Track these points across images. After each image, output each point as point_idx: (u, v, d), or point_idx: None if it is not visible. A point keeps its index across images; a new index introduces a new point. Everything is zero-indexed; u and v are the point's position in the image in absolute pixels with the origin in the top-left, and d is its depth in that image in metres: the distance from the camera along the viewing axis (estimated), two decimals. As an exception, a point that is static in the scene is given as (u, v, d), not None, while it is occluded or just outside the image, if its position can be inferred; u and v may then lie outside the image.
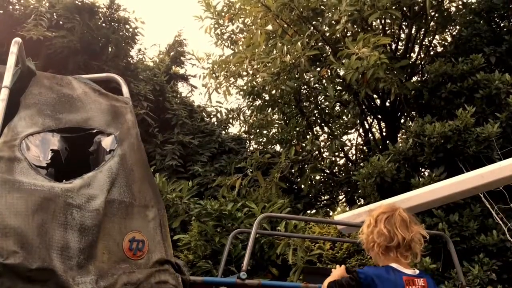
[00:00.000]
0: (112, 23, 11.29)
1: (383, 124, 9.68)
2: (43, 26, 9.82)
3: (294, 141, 9.84)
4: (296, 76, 8.29)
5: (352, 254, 6.76)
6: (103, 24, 11.16)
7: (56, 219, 2.37)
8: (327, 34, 8.35)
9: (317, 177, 10.29)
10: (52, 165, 2.74)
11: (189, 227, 7.65)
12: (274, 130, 10.72)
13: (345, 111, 10.50)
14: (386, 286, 2.35)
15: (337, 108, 10.58)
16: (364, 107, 9.49)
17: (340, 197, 10.93)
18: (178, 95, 13.47)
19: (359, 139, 10.86)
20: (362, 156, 10.50)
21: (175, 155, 10.90)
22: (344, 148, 10.24)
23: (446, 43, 9.81)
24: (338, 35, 8.08)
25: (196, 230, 7.19)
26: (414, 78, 9.33)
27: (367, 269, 2.46)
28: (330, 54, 7.77)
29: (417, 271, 2.50)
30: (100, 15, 11.18)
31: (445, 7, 9.23)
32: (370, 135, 10.27)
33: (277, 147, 10.99)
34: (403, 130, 8.70)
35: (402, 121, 9.39)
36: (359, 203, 8.92)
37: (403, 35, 9.35)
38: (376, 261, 2.51)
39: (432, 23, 9.24)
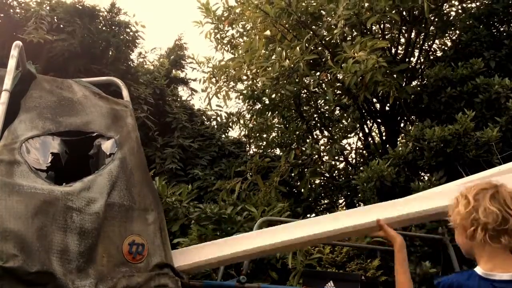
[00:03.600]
0: (113, 27, 11.30)
1: (382, 128, 9.69)
2: (43, 29, 9.83)
3: (293, 145, 9.84)
4: (296, 80, 8.30)
5: (352, 258, 6.74)
6: (104, 28, 11.17)
7: (56, 222, 2.37)
8: (326, 39, 8.37)
9: (317, 181, 10.29)
10: (52, 168, 2.74)
11: (188, 230, 7.64)
12: (274, 134, 10.73)
13: (345, 115, 10.51)
14: None
15: (337, 112, 10.60)
16: (363, 111, 9.50)
17: (340, 201, 10.92)
18: (178, 99, 13.47)
19: (359, 143, 10.87)
20: (362, 160, 10.50)
21: (175, 158, 10.90)
22: (344, 152, 10.24)
23: (446, 48, 9.83)
24: (337, 39, 8.10)
25: (195, 234, 7.17)
26: (414, 82, 9.35)
27: (446, 278, 1.92)
28: (329, 58, 7.79)
29: None
30: (101, 18, 11.19)
31: (445, 11, 9.25)
32: (369, 139, 10.27)
33: (277, 151, 11.00)
34: (403, 134, 8.71)
35: (402, 125, 9.39)
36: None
37: (402, 40, 9.38)
38: (471, 252, 1.92)
39: (431, 28, 9.27)
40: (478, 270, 1.83)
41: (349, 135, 11.04)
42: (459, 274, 1.90)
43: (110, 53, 11.24)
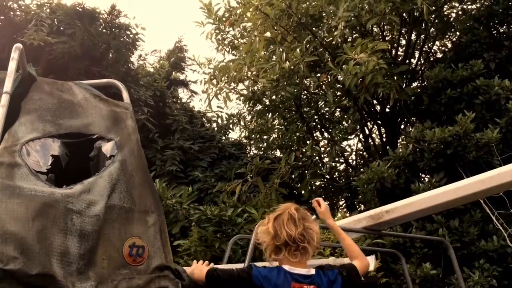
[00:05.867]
0: (113, 29, 11.32)
1: (383, 130, 9.70)
2: (44, 32, 9.84)
3: (294, 146, 9.84)
4: (296, 82, 8.31)
5: (352, 260, 6.74)
6: (104, 30, 11.19)
7: (56, 225, 2.36)
8: (326, 40, 8.37)
9: (317, 183, 10.29)
10: (52, 171, 2.74)
11: (189, 232, 7.64)
12: (274, 136, 10.73)
13: (345, 116, 10.51)
14: None
15: (337, 113, 10.60)
16: (364, 112, 9.50)
17: (341, 203, 10.92)
18: (179, 101, 13.48)
19: (359, 145, 10.88)
20: (362, 161, 10.50)
21: (175, 160, 10.89)
22: (344, 153, 10.24)
23: (446, 49, 9.84)
24: (337, 41, 8.11)
25: (196, 236, 7.17)
26: (414, 84, 9.35)
27: (260, 269, 2.36)
28: (329, 60, 7.79)
29: (312, 271, 2.37)
30: (101, 21, 11.21)
31: (445, 13, 9.26)
32: (370, 140, 10.27)
33: (277, 153, 11.00)
34: (403, 136, 8.71)
35: (402, 126, 9.39)
36: (359, 209, 8.91)
37: (403, 41, 9.39)
38: (271, 263, 2.42)
39: (432, 29, 9.28)
40: (286, 267, 2.33)
41: (349, 137, 11.04)
42: (269, 270, 2.34)
43: (110, 55, 11.26)
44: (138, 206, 2.75)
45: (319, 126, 10.16)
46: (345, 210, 10.38)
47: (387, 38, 9.05)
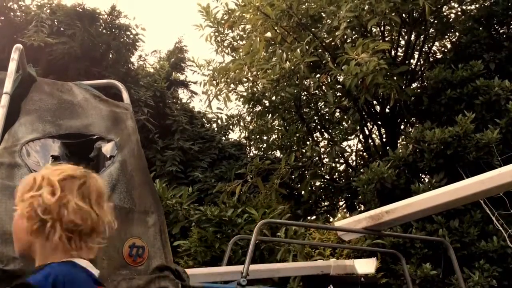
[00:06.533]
0: (113, 30, 11.32)
1: (383, 130, 9.70)
2: (44, 32, 9.84)
3: (294, 147, 9.84)
4: (296, 82, 8.31)
5: (352, 260, 6.74)
6: (104, 31, 11.19)
7: (56, 225, 2.36)
8: (326, 41, 8.38)
9: (317, 183, 10.29)
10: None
11: (189, 233, 7.64)
12: (274, 136, 10.73)
13: (345, 117, 10.51)
14: None
15: (337, 114, 10.60)
16: (364, 113, 9.50)
17: (340, 203, 10.92)
18: (179, 101, 13.47)
19: (359, 145, 10.86)
20: (362, 162, 10.50)
21: (175, 161, 10.89)
22: (344, 154, 10.24)
23: (446, 50, 9.84)
24: (337, 42, 8.11)
25: (196, 236, 7.18)
26: (414, 84, 9.35)
27: (51, 269, 1.43)
28: (329, 61, 7.79)
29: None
30: (101, 21, 11.21)
31: (445, 13, 9.26)
32: (370, 141, 10.27)
33: (277, 153, 10.99)
34: (403, 136, 8.71)
35: (402, 127, 9.39)
36: (359, 209, 8.91)
37: (402, 42, 9.39)
38: (44, 253, 1.51)
39: (431, 30, 9.28)
40: (82, 263, 1.51)
41: (349, 137, 11.03)
42: (60, 266, 1.45)
43: (110, 56, 11.26)
44: (138, 207, 2.75)
45: (319, 126, 10.16)
46: (345, 210, 10.38)
47: (386, 39, 9.05)
